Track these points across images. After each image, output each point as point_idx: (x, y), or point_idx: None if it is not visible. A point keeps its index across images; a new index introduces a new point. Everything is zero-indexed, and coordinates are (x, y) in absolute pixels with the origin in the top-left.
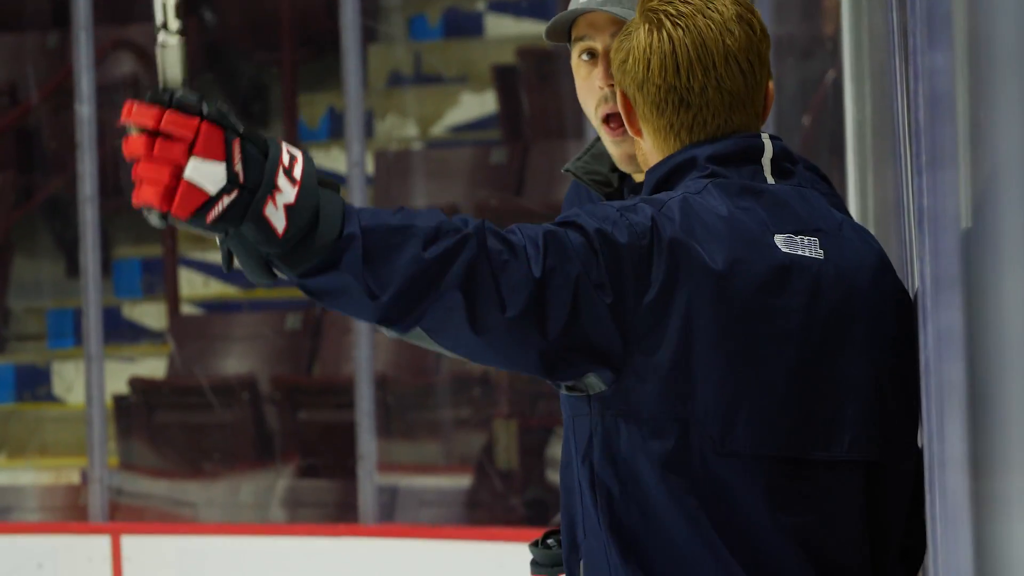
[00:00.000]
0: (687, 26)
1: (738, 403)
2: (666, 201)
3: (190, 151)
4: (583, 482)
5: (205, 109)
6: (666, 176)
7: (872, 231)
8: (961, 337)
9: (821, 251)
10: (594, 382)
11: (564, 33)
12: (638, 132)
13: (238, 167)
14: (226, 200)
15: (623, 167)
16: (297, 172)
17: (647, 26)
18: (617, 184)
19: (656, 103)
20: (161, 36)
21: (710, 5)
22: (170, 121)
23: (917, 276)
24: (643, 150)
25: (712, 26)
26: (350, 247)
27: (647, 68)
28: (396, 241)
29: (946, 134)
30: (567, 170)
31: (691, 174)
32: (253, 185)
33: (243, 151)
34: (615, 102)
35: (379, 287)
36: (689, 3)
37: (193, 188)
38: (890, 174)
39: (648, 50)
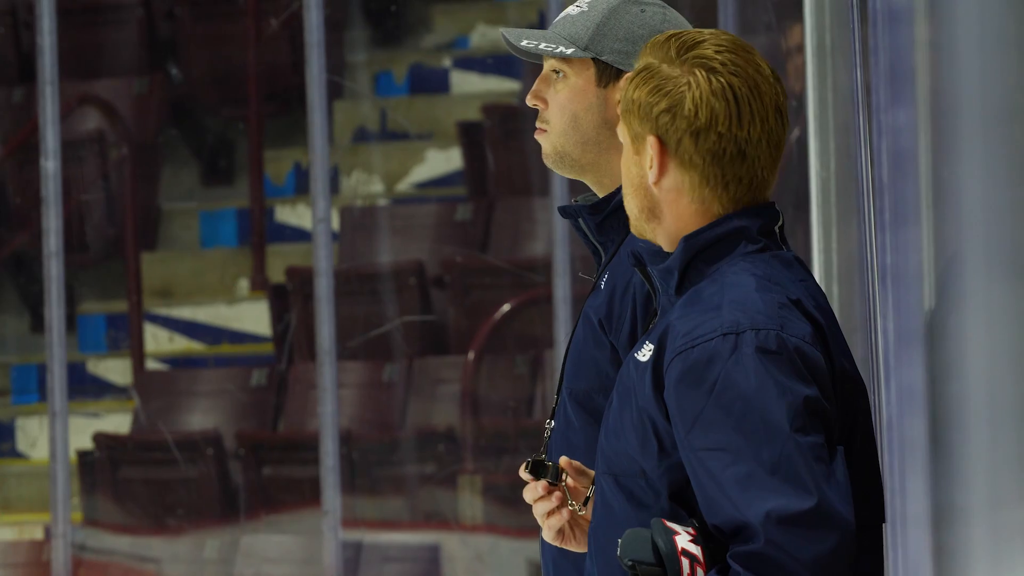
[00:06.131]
0: (744, 77)
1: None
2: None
3: None
4: None
5: None
6: (712, 243)
7: (836, 288)
8: (923, 393)
9: None
10: None
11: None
12: (662, 175)
13: None
14: None
15: (545, 160)
16: None
17: (703, 72)
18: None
19: (714, 152)
20: None
21: (752, 60)
22: None
23: (880, 333)
24: (652, 193)
25: (761, 79)
26: None
27: (711, 115)
28: None
29: (909, 191)
30: (561, 208)
31: (742, 245)
32: None
33: None
34: (538, 121)
35: None
36: (739, 55)
37: None
38: (854, 231)
39: (712, 97)
